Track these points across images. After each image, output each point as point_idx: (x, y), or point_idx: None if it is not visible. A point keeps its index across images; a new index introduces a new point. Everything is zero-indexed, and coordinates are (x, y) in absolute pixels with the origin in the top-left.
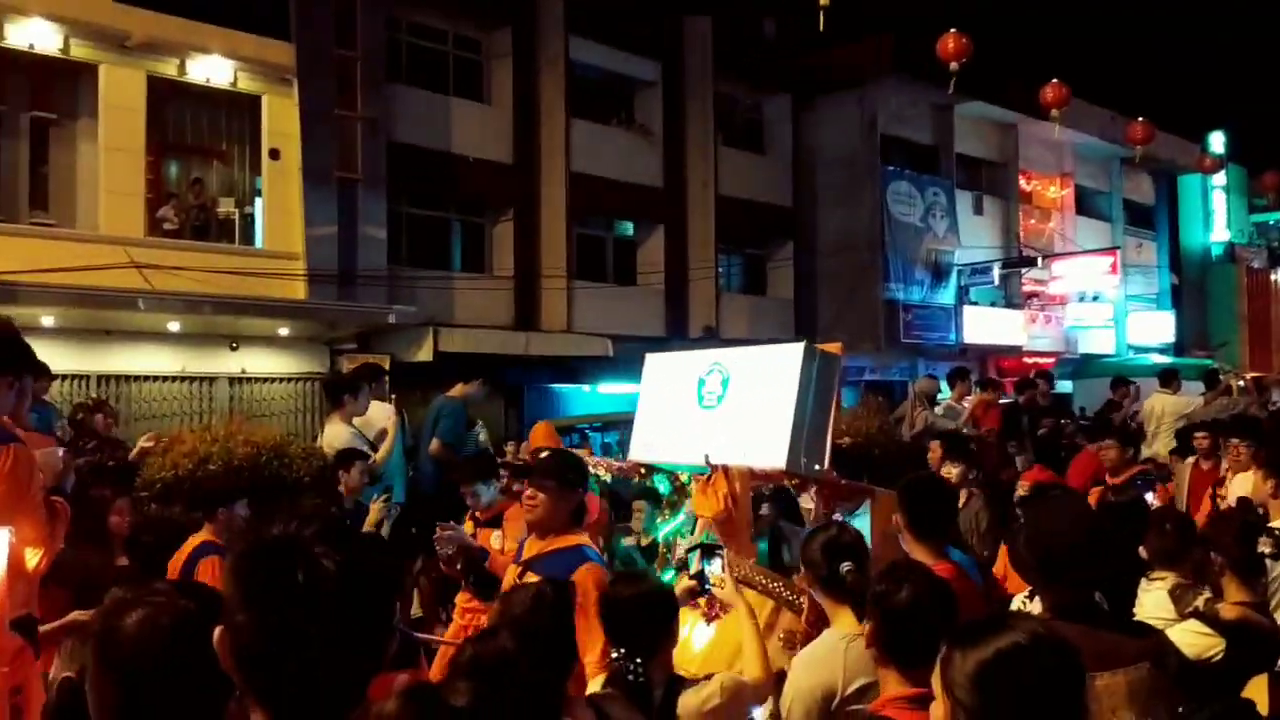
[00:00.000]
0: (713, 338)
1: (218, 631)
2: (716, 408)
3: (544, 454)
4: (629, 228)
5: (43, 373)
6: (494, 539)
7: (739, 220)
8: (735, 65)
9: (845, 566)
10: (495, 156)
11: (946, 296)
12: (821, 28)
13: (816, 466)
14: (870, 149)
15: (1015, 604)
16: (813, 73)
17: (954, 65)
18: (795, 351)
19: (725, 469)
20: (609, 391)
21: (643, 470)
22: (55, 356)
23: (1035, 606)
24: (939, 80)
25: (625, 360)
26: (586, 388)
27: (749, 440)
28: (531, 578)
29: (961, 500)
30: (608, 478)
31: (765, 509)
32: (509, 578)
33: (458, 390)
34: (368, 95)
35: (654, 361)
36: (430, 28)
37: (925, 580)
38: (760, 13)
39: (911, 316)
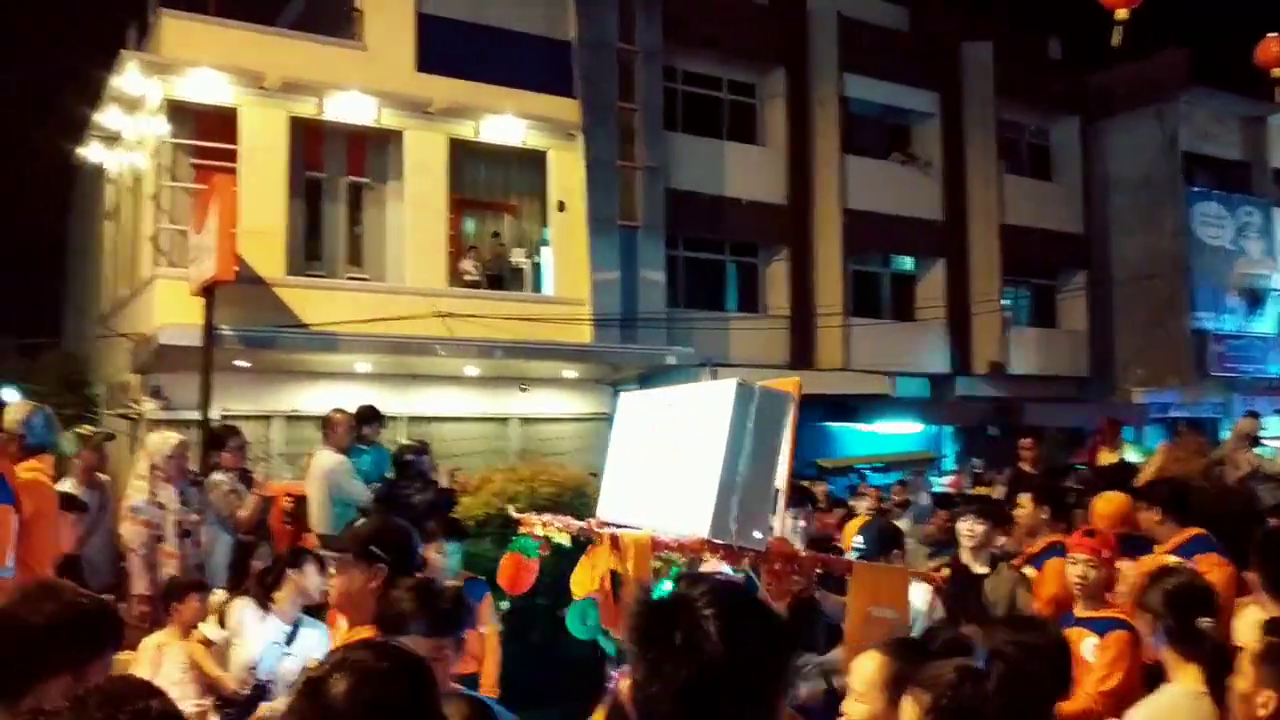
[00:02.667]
0: (1000, 374)
1: (625, 680)
2: (660, 459)
3: (359, 520)
4: (907, 262)
5: (375, 418)
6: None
7: (1026, 250)
8: (1019, 89)
9: (1206, 622)
10: (769, 197)
11: (1265, 324)
12: (1116, 43)
13: (756, 534)
14: (1171, 168)
15: None
16: (1103, 92)
17: (1276, 72)
18: (726, 390)
19: (614, 539)
20: (888, 430)
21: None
22: (369, 400)
23: None
24: (1248, 90)
25: (906, 399)
26: (864, 426)
27: (672, 501)
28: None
29: (984, 569)
30: (565, 540)
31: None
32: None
33: None
34: (647, 145)
35: (626, 402)
36: (705, 75)
37: None
38: (1044, 33)
39: (1224, 347)
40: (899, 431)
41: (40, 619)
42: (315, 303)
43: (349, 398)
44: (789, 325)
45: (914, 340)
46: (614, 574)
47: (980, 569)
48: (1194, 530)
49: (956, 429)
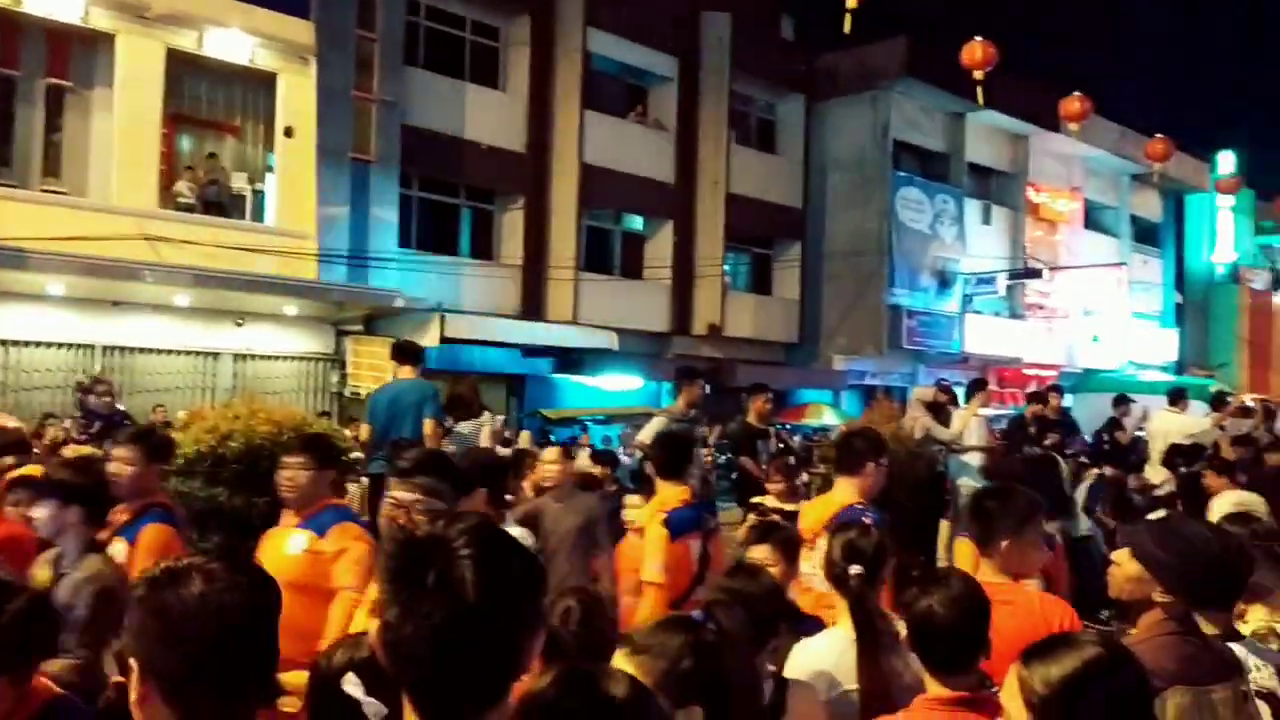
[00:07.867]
0: (716, 336)
1: (374, 624)
2: None
3: None
4: (638, 221)
5: None
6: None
7: (748, 219)
8: (752, 63)
9: (855, 570)
10: (508, 144)
11: (950, 304)
12: (847, 29)
13: None
14: (881, 153)
15: None
16: (827, 74)
17: (978, 74)
18: None
19: None
20: (610, 385)
21: None
22: (61, 325)
23: None
24: (953, 86)
25: (628, 354)
26: (589, 380)
27: None
28: None
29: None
30: None
31: None
32: None
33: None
34: (385, 77)
35: None
36: (449, 13)
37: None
38: (778, 11)
39: (915, 322)
40: (621, 387)
41: None
42: (1, 214)
43: (38, 321)
44: (522, 275)
45: (640, 298)
46: None
47: None
48: None
49: (674, 385)
